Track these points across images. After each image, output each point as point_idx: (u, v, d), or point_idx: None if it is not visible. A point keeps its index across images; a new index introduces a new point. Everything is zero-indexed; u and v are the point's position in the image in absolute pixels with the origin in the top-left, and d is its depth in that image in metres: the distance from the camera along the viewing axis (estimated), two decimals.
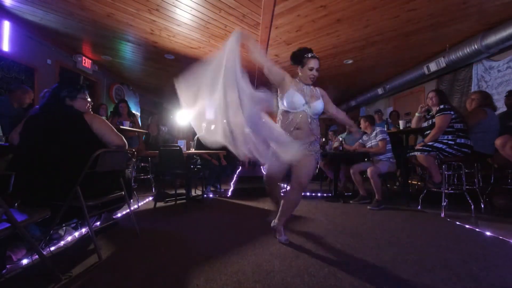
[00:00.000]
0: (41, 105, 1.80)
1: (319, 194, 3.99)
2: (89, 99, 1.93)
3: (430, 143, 2.83)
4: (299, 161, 1.79)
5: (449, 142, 2.76)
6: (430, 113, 3.11)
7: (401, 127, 3.96)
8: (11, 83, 3.53)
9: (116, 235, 2.12)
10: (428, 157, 2.80)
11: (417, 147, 2.96)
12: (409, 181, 3.97)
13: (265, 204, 3.32)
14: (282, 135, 1.77)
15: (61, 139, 1.65)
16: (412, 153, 2.95)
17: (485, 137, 2.82)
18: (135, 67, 5.72)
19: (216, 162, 4.34)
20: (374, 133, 3.43)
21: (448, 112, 2.77)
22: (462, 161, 2.81)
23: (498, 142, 2.57)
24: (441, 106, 2.82)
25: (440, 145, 2.78)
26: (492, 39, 3.70)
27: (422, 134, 3.27)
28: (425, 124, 3.15)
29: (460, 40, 4.21)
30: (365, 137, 3.63)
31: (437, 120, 2.82)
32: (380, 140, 3.32)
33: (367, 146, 3.52)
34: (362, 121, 3.59)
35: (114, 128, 1.86)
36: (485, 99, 3.02)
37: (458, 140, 2.74)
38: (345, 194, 4.05)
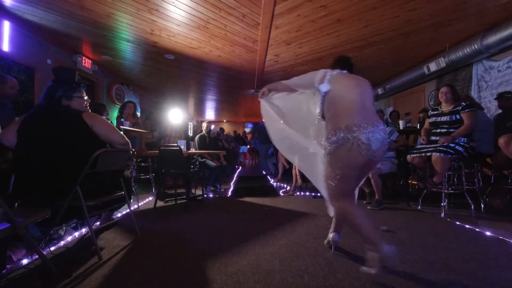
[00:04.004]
0: (37, 105, 1.75)
1: (319, 194, 3.99)
2: (86, 97, 1.87)
3: (452, 145, 2.69)
4: None
5: (465, 145, 2.69)
6: (440, 109, 2.98)
7: (401, 127, 3.96)
8: None
9: (116, 235, 2.12)
10: (448, 160, 2.67)
11: (440, 144, 2.73)
12: (409, 181, 3.97)
13: (265, 204, 3.32)
14: None
15: (60, 139, 1.63)
16: (430, 153, 2.75)
17: (477, 136, 2.81)
18: (135, 67, 5.72)
19: (217, 162, 4.35)
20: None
21: (475, 110, 2.71)
22: (462, 161, 2.80)
23: (501, 140, 2.53)
24: (467, 103, 2.75)
25: (460, 148, 2.67)
26: (492, 39, 3.70)
27: (428, 131, 3.12)
28: (444, 119, 2.87)
29: (460, 40, 4.21)
30: None
31: (467, 115, 2.69)
32: (397, 137, 3.35)
33: None
34: None
35: (115, 127, 1.86)
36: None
37: (471, 144, 2.71)
38: None
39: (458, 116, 2.78)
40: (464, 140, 2.71)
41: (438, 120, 2.95)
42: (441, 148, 2.68)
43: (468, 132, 2.70)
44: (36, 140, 1.62)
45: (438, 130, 2.93)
